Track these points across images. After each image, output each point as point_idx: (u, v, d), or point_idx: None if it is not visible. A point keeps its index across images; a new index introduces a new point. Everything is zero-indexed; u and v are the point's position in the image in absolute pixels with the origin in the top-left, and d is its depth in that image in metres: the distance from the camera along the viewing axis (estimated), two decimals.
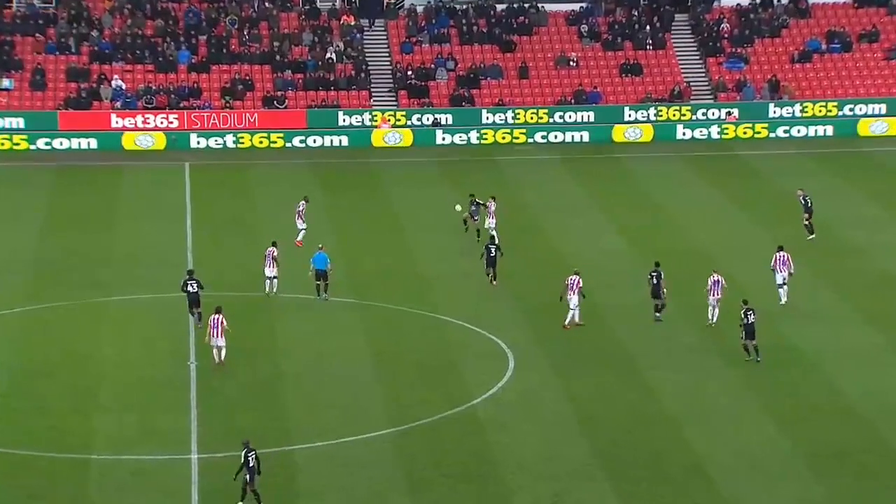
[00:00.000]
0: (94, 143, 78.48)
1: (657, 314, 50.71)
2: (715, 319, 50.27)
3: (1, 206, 66.78)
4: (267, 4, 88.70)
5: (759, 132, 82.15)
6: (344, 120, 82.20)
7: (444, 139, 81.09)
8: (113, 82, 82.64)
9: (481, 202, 61.21)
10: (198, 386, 45.26)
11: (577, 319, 50.47)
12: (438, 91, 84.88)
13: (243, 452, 37.08)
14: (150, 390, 45.06)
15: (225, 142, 79.53)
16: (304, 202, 60.48)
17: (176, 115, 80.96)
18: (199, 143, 79.53)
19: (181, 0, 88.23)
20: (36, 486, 38.47)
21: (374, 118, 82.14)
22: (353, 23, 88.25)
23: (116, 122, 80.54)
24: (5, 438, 41.11)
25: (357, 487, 38.41)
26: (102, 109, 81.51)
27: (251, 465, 36.90)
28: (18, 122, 79.62)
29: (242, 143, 79.54)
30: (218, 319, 46.50)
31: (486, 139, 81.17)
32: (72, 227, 63.40)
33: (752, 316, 46.82)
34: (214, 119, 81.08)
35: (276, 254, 53.60)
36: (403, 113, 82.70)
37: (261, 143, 79.69)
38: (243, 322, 50.46)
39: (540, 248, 60.64)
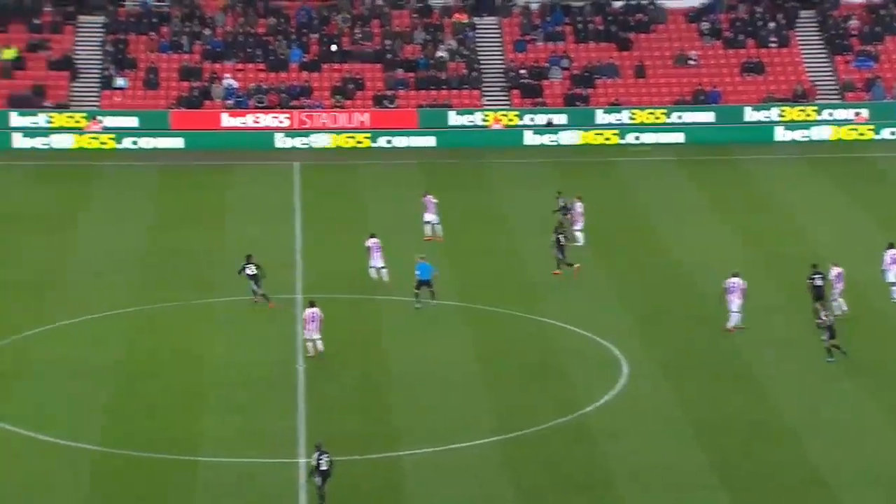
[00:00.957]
0: (204, 142, 78.43)
1: (825, 324, 46.94)
2: (844, 310, 48.84)
3: (112, 205, 66.88)
4: (379, 2, 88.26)
5: (891, 133, 79.87)
6: (455, 119, 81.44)
7: (556, 139, 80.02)
8: (224, 81, 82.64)
9: (566, 203, 60.22)
10: (305, 388, 44.81)
11: (738, 323, 49.15)
12: (552, 90, 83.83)
13: (315, 455, 36.56)
14: (258, 392, 44.70)
15: (335, 141, 79.14)
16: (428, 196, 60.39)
17: (286, 115, 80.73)
18: (310, 142, 79.22)
19: None
20: (144, 487, 38.26)
21: (486, 118, 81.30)
22: (465, 20, 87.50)
23: (228, 121, 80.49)
24: (115, 439, 40.88)
25: (464, 496, 37.73)
26: (214, 108, 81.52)
27: (323, 468, 36.32)
28: (132, 121, 79.85)
29: (352, 142, 79.10)
30: (314, 314, 46.25)
31: (600, 139, 79.95)
32: (181, 226, 63.27)
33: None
34: (325, 118, 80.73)
35: (378, 243, 53.58)
36: (516, 113, 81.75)
37: (370, 142, 79.19)
38: (350, 323, 50.06)
39: (653, 251, 59.41)
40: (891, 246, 51.93)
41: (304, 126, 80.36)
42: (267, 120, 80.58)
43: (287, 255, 58.84)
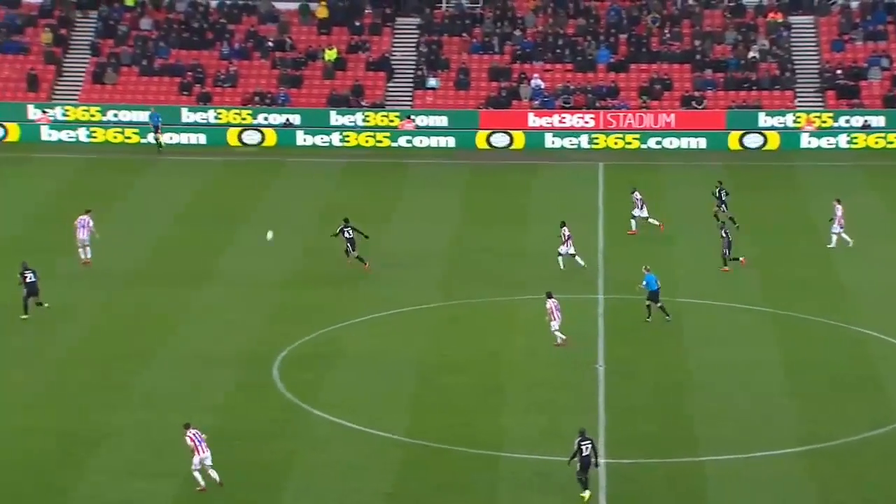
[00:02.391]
0: (513, 142, 79.32)
1: None
2: None
3: (422, 203, 68.22)
4: (690, 2, 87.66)
5: None
6: (765, 121, 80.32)
7: (875, 143, 78.07)
8: (532, 81, 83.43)
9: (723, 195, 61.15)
10: (605, 389, 44.95)
11: None
12: (871, 91, 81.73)
13: (577, 441, 37.12)
14: (558, 392, 45.03)
15: (640, 141, 79.05)
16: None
17: (592, 115, 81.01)
18: (615, 143, 79.32)
19: None
20: (445, 478, 39.07)
21: (798, 119, 79.88)
22: (780, 20, 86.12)
23: (534, 122, 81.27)
24: (419, 430, 41.82)
25: None
26: (521, 108, 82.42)
27: (585, 454, 36.91)
28: (442, 121, 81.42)
29: (657, 143, 78.88)
30: (555, 304, 47.87)
31: None
32: (487, 224, 64.13)
33: None
34: (630, 119, 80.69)
35: (567, 232, 55.69)
36: (830, 115, 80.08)
37: (679, 144, 78.79)
38: (651, 325, 49.90)
39: None
40: None
41: (609, 126, 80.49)
42: (573, 120, 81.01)
43: (590, 255, 59.00)
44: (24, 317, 50.98)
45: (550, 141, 79.72)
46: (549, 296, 48.63)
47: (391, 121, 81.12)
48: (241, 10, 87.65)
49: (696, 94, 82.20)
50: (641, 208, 61.88)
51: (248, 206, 66.42)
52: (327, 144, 79.06)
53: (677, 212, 65.84)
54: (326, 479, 38.90)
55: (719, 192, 63.36)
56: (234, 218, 64.04)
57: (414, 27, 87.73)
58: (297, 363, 47.29)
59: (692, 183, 71.39)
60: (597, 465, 37.41)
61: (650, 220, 61.74)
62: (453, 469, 39.61)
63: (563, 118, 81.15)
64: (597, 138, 79.61)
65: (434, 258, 58.74)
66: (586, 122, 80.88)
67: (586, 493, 37.18)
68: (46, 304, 51.30)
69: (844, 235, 58.99)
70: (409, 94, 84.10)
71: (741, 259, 56.38)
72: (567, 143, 79.65)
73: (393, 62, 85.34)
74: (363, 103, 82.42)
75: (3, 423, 42.37)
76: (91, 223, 56.73)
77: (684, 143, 79.17)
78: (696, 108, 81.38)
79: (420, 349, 48.71)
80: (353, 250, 56.10)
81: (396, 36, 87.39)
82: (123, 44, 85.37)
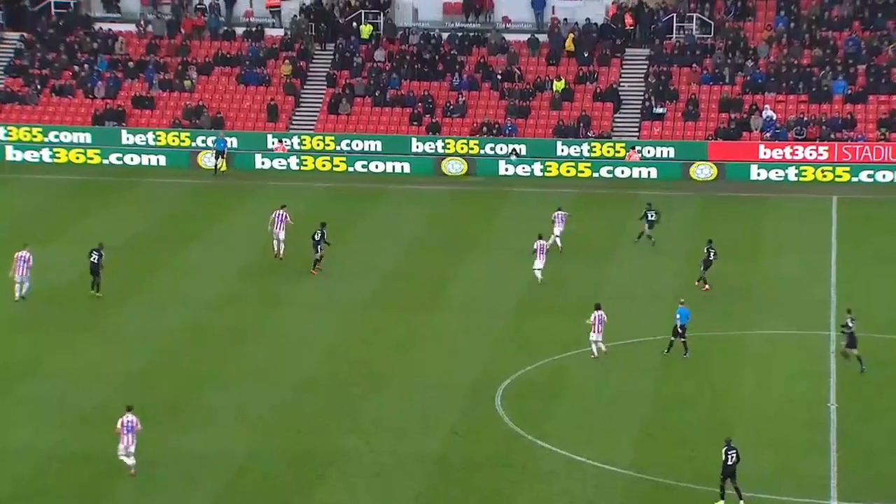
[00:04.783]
0: (741, 174, 78.53)
1: None
2: None
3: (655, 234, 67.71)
4: None
5: None
6: None
7: None
8: (764, 112, 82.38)
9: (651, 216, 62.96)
10: (838, 429, 44.07)
11: None
12: None
13: (724, 450, 38.58)
14: (788, 429, 44.31)
15: (877, 176, 77.39)
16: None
17: (826, 147, 79.60)
18: (849, 176, 77.79)
19: (842, 28, 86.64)
20: None
21: None
22: None
23: (765, 154, 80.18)
24: (644, 464, 41.59)
25: None
26: (752, 140, 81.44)
27: (729, 462, 38.26)
28: (670, 152, 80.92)
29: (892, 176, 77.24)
30: (600, 316, 49.46)
31: None
32: (719, 257, 63.35)
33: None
34: (867, 152, 79.02)
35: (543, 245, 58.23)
36: None
37: None
38: (886, 363, 48.78)
39: None
40: None
41: (843, 159, 78.98)
42: (805, 152, 79.73)
43: (822, 290, 57.99)
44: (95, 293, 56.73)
45: (782, 173, 78.57)
46: (598, 307, 49.99)
47: (617, 151, 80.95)
48: (471, 42, 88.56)
49: None
50: None
51: (477, 235, 66.96)
52: (554, 175, 79.15)
53: None
54: None
55: (647, 213, 64.53)
56: (463, 245, 64.58)
57: (643, 58, 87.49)
58: (521, 392, 47.46)
59: None
60: (734, 472, 38.50)
61: None
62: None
63: (795, 150, 79.90)
64: (829, 171, 78.17)
65: (665, 291, 58.21)
66: (820, 155, 79.48)
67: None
68: (99, 294, 56.45)
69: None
70: (637, 124, 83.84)
71: (706, 285, 57.39)
72: (798, 175, 78.34)
73: (621, 93, 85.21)
74: (590, 133, 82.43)
75: (240, 443, 43.43)
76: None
77: None
78: None
79: (646, 381, 48.44)
80: (319, 251, 59.60)
81: (626, 66, 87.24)
82: (358, 75, 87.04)
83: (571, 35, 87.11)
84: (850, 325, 48.83)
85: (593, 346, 50.22)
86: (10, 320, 54.73)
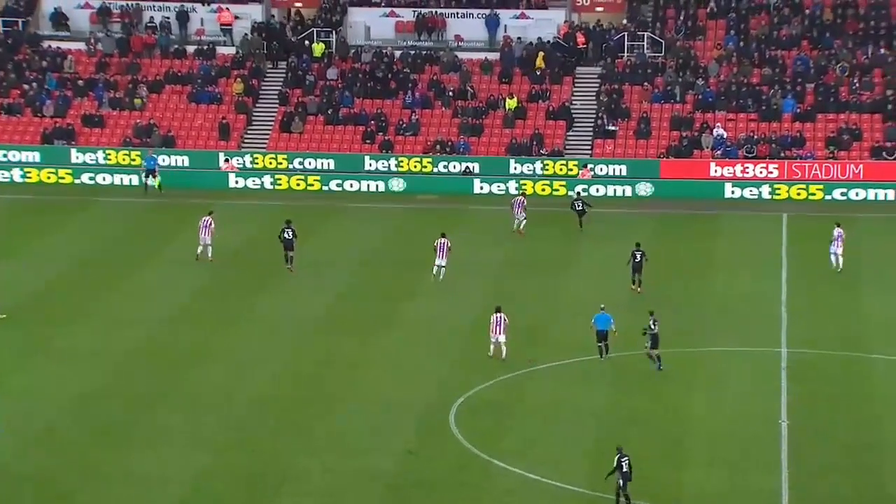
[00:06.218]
0: (691, 192, 78.92)
1: None
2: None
3: (602, 253, 67.83)
4: (882, 51, 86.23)
5: None
6: None
7: None
8: (714, 131, 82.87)
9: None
10: (789, 446, 44.25)
11: None
12: None
13: (616, 458, 39.04)
14: (740, 447, 44.45)
15: (825, 192, 77.97)
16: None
17: (776, 165, 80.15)
18: (798, 193, 78.34)
19: (791, 48, 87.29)
20: None
21: None
22: None
23: (715, 171, 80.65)
24: (602, 483, 41.21)
25: None
26: (703, 158, 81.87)
27: (624, 469, 38.91)
28: (621, 170, 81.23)
29: (842, 194, 77.72)
30: (499, 318, 51.09)
31: None
32: (667, 275, 63.61)
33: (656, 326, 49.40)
34: (816, 170, 79.63)
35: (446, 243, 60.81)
36: None
37: (866, 195, 77.56)
38: (839, 381, 49.03)
39: None
40: None
41: (794, 177, 79.53)
42: (756, 170, 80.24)
43: (772, 307, 58.30)
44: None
45: (731, 191, 79.02)
46: (498, 310, 51.63)
47: (570, 169, 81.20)
48: (424, 61, 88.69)
49: (888, 144, 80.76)
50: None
51: (431, 253, 67.01)
52: (503, 192, 79.31)
53: (868, 262, 64.70)
54: None
55: (573, 203, 69.14)
56: (415, 264, 64.59)
57: (595, 76, 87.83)
58: (475, 410, 47.43)
59: (879, 234, 70.20)
60: (630, 478, 38.98)
61: None
62: None
63: (746, 168, 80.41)
64: (780, 189, 78.71)
65: (616, 308, 58.32)
66: (770, 173, 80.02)
67: None
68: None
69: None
70: (589, 142, 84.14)
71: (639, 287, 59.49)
72: (748, 192, 78.87)
73: (573, 111, 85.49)
74: (542, 152, 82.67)
75: (193, 463, 43.20)
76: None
77: (871, 194, 77.81)
78: (887, 159, 79.90)
79: (600, 398, 48.51)
80: (291, 250, 62.51)
81: (577, 85, 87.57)
82: (311, 93, 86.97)
83: (541, 53, 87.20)
84: (653, 326, 50.50)
85: (492, 346, 51.81)
86: None
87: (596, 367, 51.43)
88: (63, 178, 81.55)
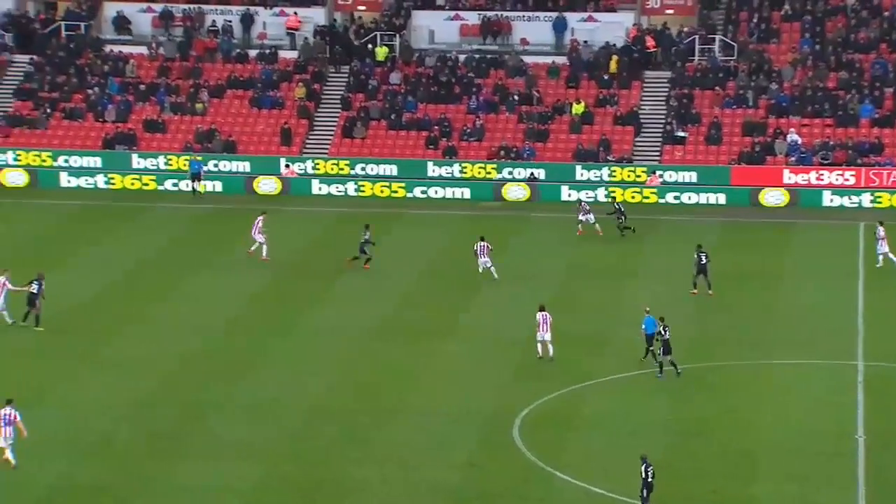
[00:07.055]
0: (777, 199, 76.94)
1: None
2: None
3: (666, 261, 66.16)
4: None
5: None
6: None
7: None
8: (788, 136, 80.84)
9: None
10: (865, 462, 42.43)
11: None
12: None
13: (642, 467, 38.23)
14: (813, 461, 42.75)
15: None
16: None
17: (853, 172, 78.03)
18: (877, 201, 76.19)
19: (869, 51, 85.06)
20: None
21: None
22: None
23: (789, 178, 78.61)
24: (667, 498, 39.95)
25: None
26: (776, 164, 79.86)
27: (648, 479, 38.19)
28: (691, 176, 79.39)
29: None
30: (545, 317, 50.50)
31: None
32: (738, 284, 61.80)
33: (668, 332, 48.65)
34: (894, 177, 77.40)
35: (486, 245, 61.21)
36: None
37: None
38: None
39: None
40: None
41: (871, 184, 77.39)
42: (831, 177, 78.15)
43: (848, 318, 56.39)
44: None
45: (806, 198, 76.98)
46: (542, 308, 51.09)
47: (638, 176, 79.46)
48: (488, 65, 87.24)
49: None
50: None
51: (495, 262, 65.56)
52: (570, 199, 77.51)
53: None
54: None
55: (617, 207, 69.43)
56: (476, 273, 63.01)
57: (664, 81, 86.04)
58: (538, 422, 45.96)
59: None
60: (652, 489, 38.37)
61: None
62: None
63: (821, 175, 78.31)
64: (856, 197, 76.59)
65: (684, 319, 56.63)
66: (846, 180, 77.89)
67: None
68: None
69: None
70: (658, 149, 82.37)
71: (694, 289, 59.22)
72: (825, 200, 76.79)
73: (641, 116, 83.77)
74: (610, 158, 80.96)
75: (247, 475, 41.97)
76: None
77: None
78: None
79: (666, 411, 46.89)
80: (365, 253, 63.18)
81: (646, 90, 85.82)
82: (373, 98, 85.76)
83: (615, 57, 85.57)
84: (664, 332, 49.53)
85: (539, 346, 51.08)
86: (11, 349, 53.36)
87: (658, 382, 49.71)
88: (128, 183, 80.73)
